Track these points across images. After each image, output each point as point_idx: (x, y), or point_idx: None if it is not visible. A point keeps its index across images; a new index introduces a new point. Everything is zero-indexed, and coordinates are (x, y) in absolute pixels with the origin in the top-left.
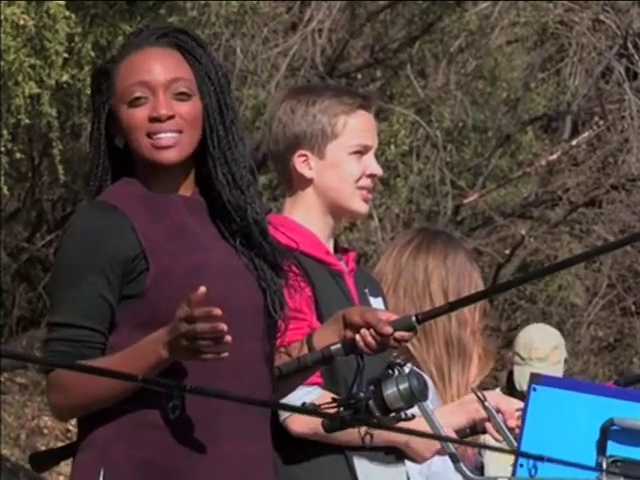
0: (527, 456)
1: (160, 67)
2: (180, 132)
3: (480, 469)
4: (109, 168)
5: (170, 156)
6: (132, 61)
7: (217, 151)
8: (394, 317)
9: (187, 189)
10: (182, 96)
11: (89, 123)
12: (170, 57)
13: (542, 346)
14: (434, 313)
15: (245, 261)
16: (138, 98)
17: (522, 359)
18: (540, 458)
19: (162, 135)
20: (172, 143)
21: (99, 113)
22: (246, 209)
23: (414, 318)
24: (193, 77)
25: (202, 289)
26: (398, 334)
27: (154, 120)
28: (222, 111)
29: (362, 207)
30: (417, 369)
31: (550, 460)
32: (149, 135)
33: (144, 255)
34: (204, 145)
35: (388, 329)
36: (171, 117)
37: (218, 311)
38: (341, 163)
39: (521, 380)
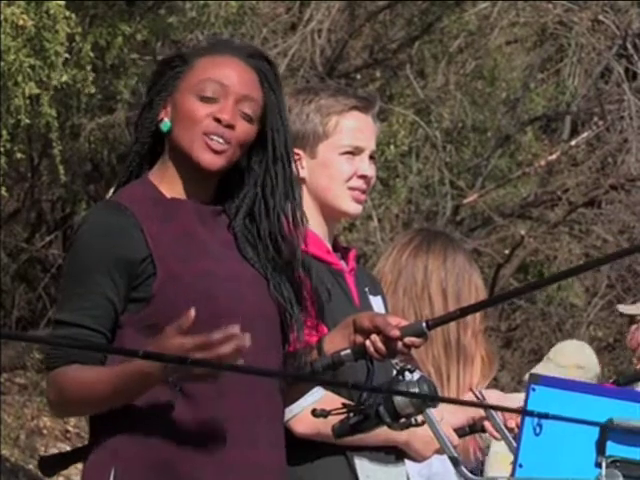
0: (532, 415)
1: (239, 79)
2: (229, 143)
3: (480, 469)
4: (148, 152)
5: (212, 161)
6: (218, 60)
7: (280, 186)
8: (404, 322)
9: (204, 199)
10: (246, 116)
11: (89, 123)
12: (250, 75)
13: (569, 356)
14: (445, 319)
15: (273, 283)
16: (209, 97)
17: (548, 358)
18: (545, 416)
19: (216, 138)
20: (220, 150)
21: (160, 94)
22: (297, 248)
23: (424, 324)
24: (261, 105)
25: (191, 312)
26: (408, 339)
27: (216, 120)
28: (287, 146)
29: (353, 207)
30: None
31: (555, 418)
32: (205, 133)
33: (152, 259)
34: (242, 169)
35: (395, 332)
36: (231, 126)
37: (236, 329)
38: (332, 163)
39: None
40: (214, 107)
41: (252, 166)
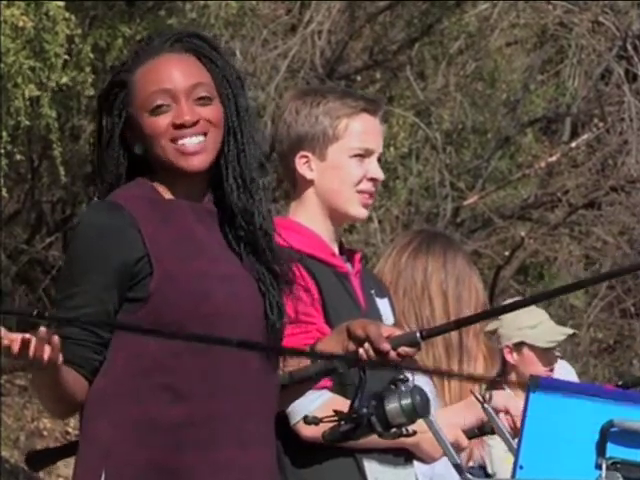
0: (541, 388)
1: (180, 74)
2: (205, 135)
3: (483, 468)
4: (122, 176)
5: (196, 163)
6: (150, 69)
7: (232, 154)
8: (398, 332)
9: (200, 195)
10: (204, 100)
11: (89, 125)
12: (188, 62)
13: (541, 312)
14: (439, 330)
15: (248, 268)
16: (160, 106)
17: (534, 326)
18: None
19: (187, 140)
20: (198, 149)
21: (115, 122)
22: (253, 213)
23: (418, 334)
24: (211, 81)
25: None
26: (402, 349)
27: (179, 127)
28: (239, 113)
29: (360, 212)
30: (423, 378)
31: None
32: (173, 140)
33: (148, 258)
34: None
35: (385, 346)
36: (196, 122)
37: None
38: (342, 166)
39: (546, 337)
40: (170, 115)
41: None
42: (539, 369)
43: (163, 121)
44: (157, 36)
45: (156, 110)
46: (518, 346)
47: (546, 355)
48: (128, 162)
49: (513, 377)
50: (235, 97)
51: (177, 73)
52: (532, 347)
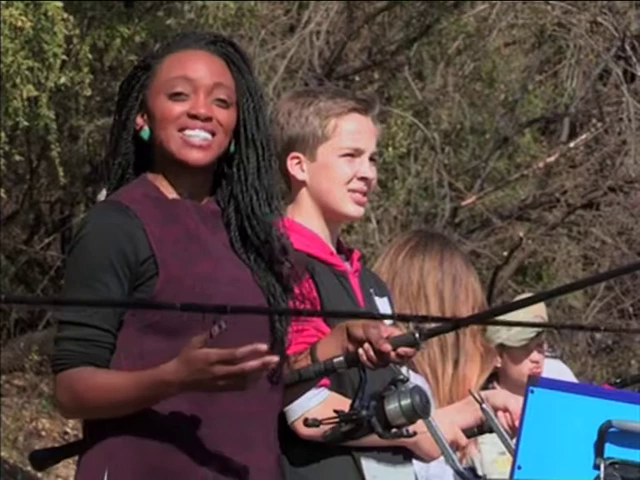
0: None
1: (206, 69)
2: (213, 135)
3: (472, 469)
4: (132, 160)
5: (198, 156)
6: (180, 57)
7: (252, 166)
8: (397, 333)
9: (202, 195)
10: (221, 103)
11: (88, 125)
12: (216, 63)
13: (521, 311)
14: (438, 330)
15: (256, 275)
16: (179, 93)
17: (509, 327)
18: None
19: (196, 133)
20: (203, 144)
21: (132, 105)
22: (272, 226)
23: (417, 334)
24: (234, 87)
25: (222, 324)
26: (401, 350)
27: (192, 117)
28: (259, 127)
29: (354, 210)
30: (418, 378)
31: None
32: (181, 129)
33: (154, 259)
34: (230, 156)
35: (387, 347)
36: (209, 119)
37: (263, 346)
38: (331, 165)
39: (519, 336)
40: (187, 104)
41: (234, 151)
42: (521, 369)
43: (178, 108)
44: (193, 34)
45: (174, 96)
46: (499, 348)
47: (521, 354)
48: (136, 149)
49: (503, 379)
50: (256, 111)
51: (204, 68)
52: (508, 348)
